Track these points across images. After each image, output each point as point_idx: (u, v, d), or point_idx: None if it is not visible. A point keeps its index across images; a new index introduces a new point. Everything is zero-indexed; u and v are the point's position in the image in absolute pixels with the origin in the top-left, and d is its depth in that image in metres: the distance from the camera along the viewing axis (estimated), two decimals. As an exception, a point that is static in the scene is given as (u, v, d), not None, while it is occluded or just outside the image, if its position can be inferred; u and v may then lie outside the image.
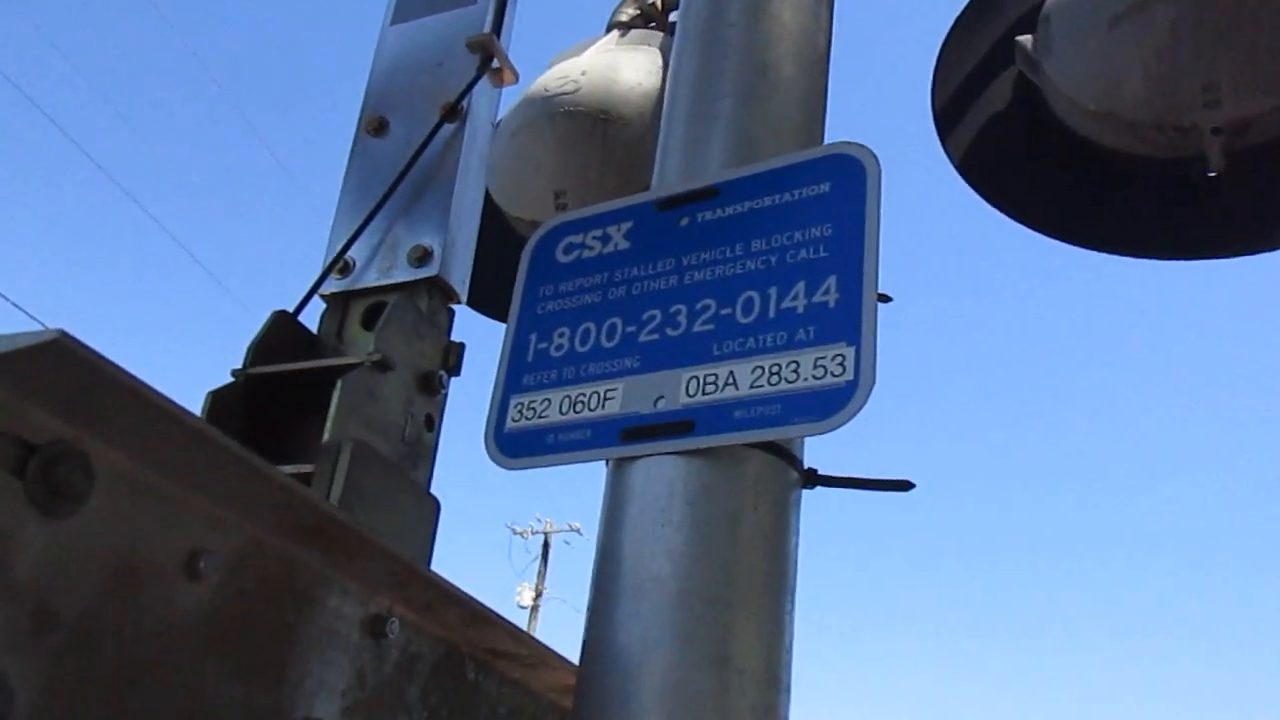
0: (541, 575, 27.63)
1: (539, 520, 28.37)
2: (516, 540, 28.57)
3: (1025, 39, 2.48)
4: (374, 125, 2.05)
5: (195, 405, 1.68)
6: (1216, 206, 2.34)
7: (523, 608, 27.01)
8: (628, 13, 3.25)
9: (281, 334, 1.74)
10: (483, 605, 1.49)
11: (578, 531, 27.82)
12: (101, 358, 0.89)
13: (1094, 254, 2.53)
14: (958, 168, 2.59)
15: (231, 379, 1.65)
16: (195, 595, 1.06)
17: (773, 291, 1.45)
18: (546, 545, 28.03)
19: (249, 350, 1.68)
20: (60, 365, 0.86)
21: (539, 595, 27.26)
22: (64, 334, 0.84)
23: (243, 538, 1.14)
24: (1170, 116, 2.22)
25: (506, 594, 27.77)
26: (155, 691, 1.01)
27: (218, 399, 1.61)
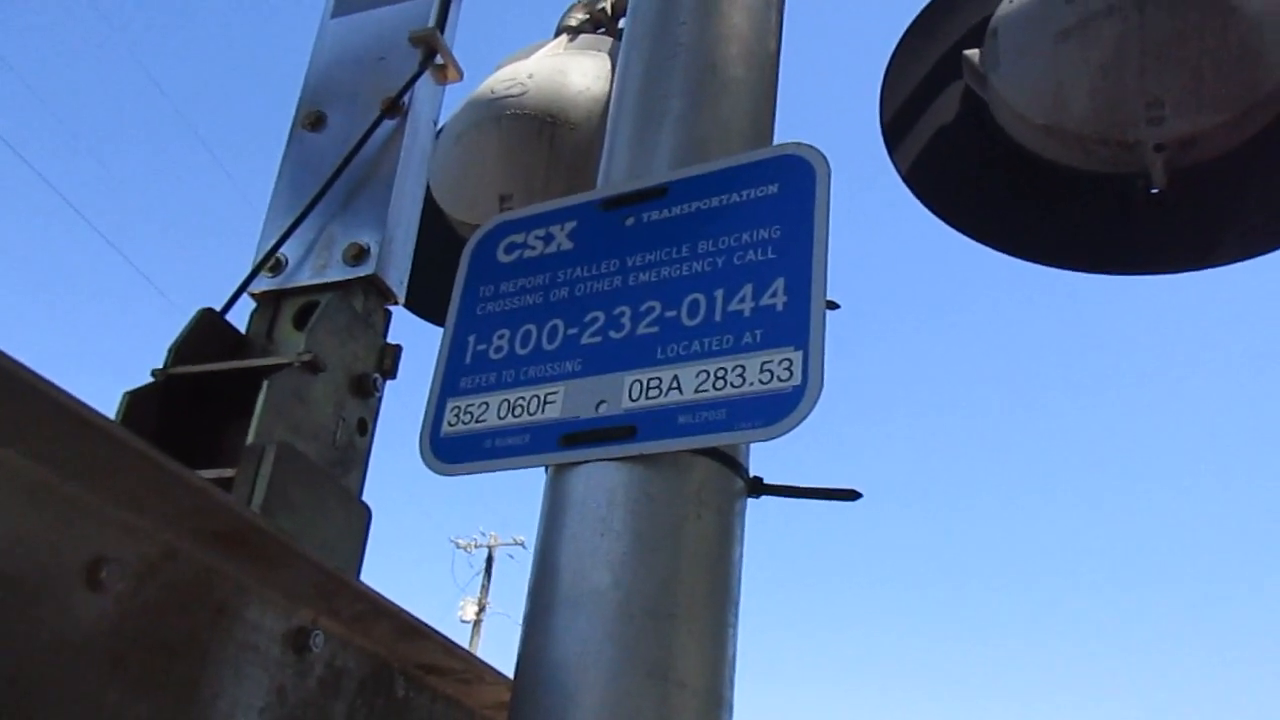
0: (485, 589, 27.32)
1: (483, 533, 28.08)
2: (459, 554, 28.21)
3: (973, 53, 2.49)
4: (311, 119, 1.98)
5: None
6: (1160, 222, 2.36)
7: (465, 623, 26.68)
8: (577, 17, 3.21)
9: (207, 333, 1.66)
10: (415, 618, 1.43)
11: (522, 545, 27.57)
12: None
13: (1040, 267, 2.54)
14: (905, 179, 2.58)
15: (151, 379, 1.57)
16: (96, 606, 0.99)
17: (719, 294, 1.41)
18: (490, 559, 27.74)
19: (170, 350, 1.60)
20: (-56, 354, 0.79)
21: (482, 610, 26.94)
22: (-53, 318, 0.77)
23: (153, 545, 1.06)
24: (1115, 132, 2.24)
25: (449, 609, 27.42)
26: (50, 710, 0.93)
27: (135, 400, 1.52)
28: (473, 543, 28.02)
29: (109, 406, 1.55)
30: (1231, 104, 2.19)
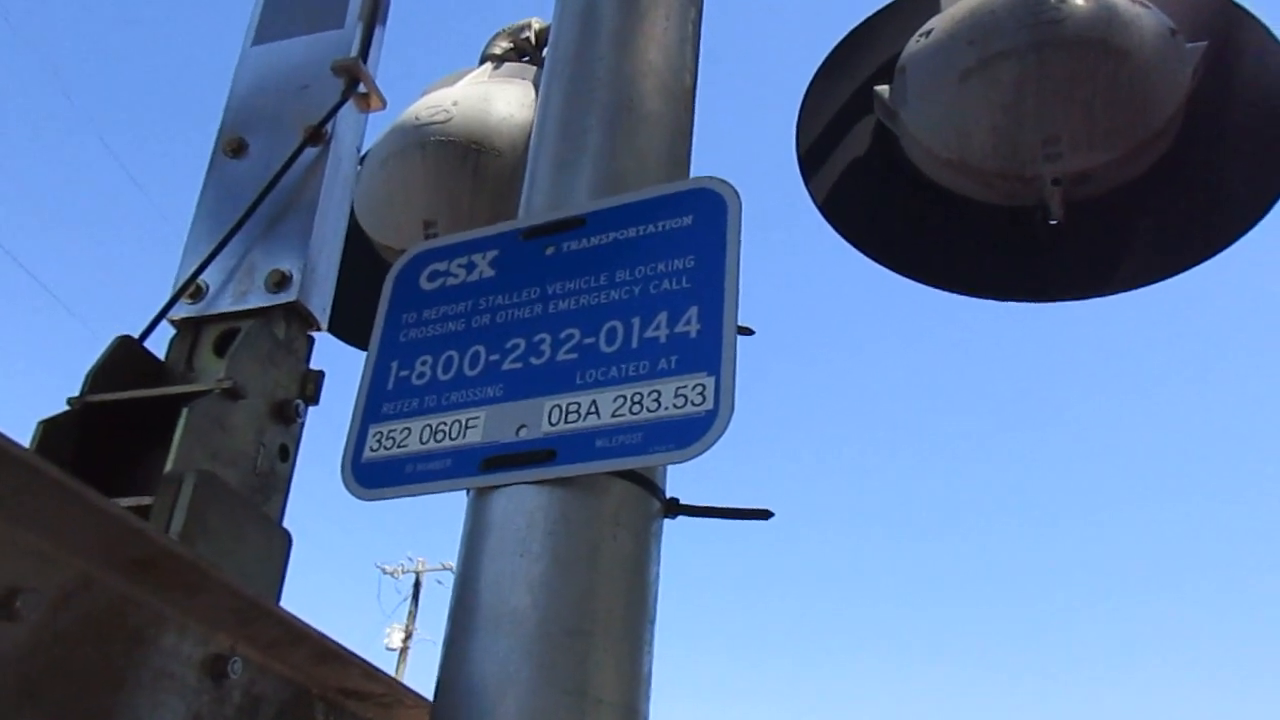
0: (412, 616, 26.88)
1: (410, 559, 27.65)
2: (386, 580, 27.73)
3: (883, 89, 2.60)
4: (232, 146, 1.98)
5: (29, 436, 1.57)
6: (1059, 252, 2.48)
7: (391, 650, 26.19)
8: (501, 46, 3.26)
9: (124, 360, 1.65)
10: (334, 642, 1.43)
11: (450, 570, 27.19)
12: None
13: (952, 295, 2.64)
14: (820, 209, 2.67)
15: (67, 407, 1.56)
16: (10, 636, 0.98)
17: (636, 321, 1.46)
18: (418, 584, 27.32)
19: (87, 377, 1.59)
20: None
21: (409, 636, 26.50)
22: None
23: (68, 574, 1.06)
24: (1014, 167, 2.35)
25: (375, 635, 26.91)
26: (-40, 741, 0.93)
27: (50, 428, 1.51)
28: (400, 568, 27.58)
29: (24, 434, 1.53)
30: (1123, 141, 2.32)
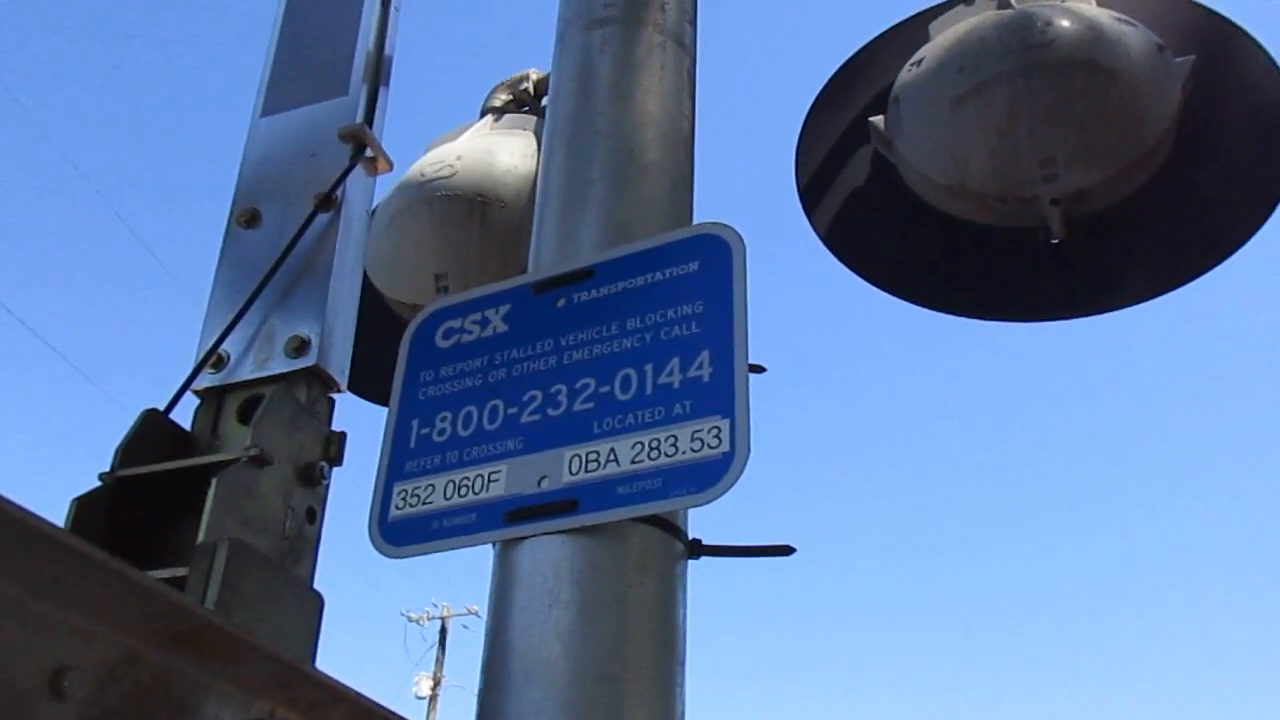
0: (440, 662, 26.78)
1: (435, 605, 27.59)
2: (412, 627, 27.69)
3: (878, 119, 2.64)
4: (246, 217, 2.03)
5: (63, 510, 1.61)
6: (1063, 270, 2.51)
7: (420, 698, 26.07)
8: (501, 98, 3.32)
9: (152, 433, 1.69)
10: (372, 701, 1.46)
11: (476, 614, 27.11)
12: (-45, 472, 0.86)
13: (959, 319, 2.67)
14: (823, 240, 2.71)
15: (99, 483, 1.59)
16: (60, 715, 1.01)
17: (649, 368, 1.49)
18: (444, 630, 27.24)
19: (116, 451, 1.63)
20: (-91, 482, 0.83)
21: (437, 684, 26.37)
22: (-86, 450, 0.81)
23: (112, 650, 1.09)
24: (1013, 189, 2.39)
25: (403, 685, 26.79)
26: (17, 821, 0.95)
27: (84, 504, 1.55)
28: (425, 615, 27.52)
29: (57, 507, 1.57)
30: (1118, 158, 2.36)
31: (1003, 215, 2.46)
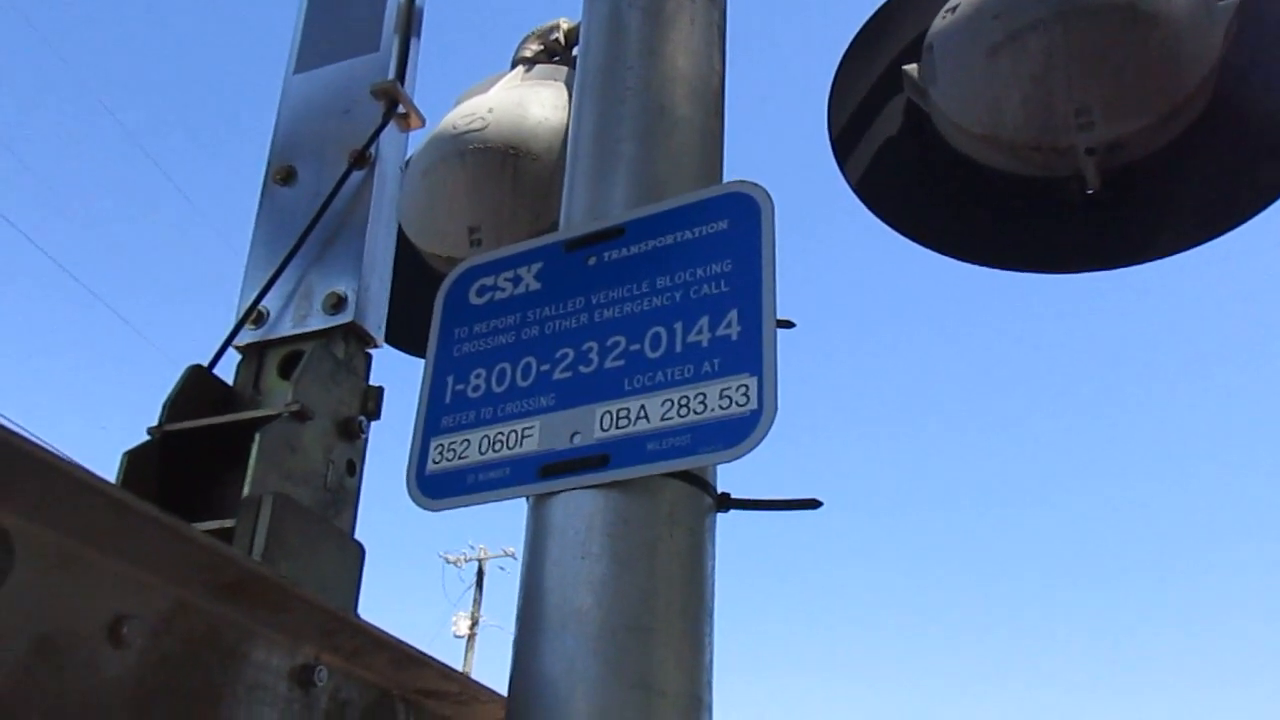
0: (477, 603, 27.34)
1: (472, 547, 28.10)
2: (450, 569, 28.22)
3: (911, 68, 2.60)
4: (282, 174, 2.06)
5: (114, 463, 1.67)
6: (1098, 221, 2.48)
7: (459, 637, 26.68)
8: (532, 48, 3.31)
9: (196, 388, 1.75)
10: (412, 647, 1.52)
11: (512, 556, 27.58)
12: (18, 436, 0.91)
13: (991, 270, 2.66)
14: (855, 190, 2.70)
15: (147, 437, 1.65)
16: (120, 661, 1.07)
17: (678, 326, 1.52)
18: (481, 572, 27.76)
19: (164, 406, 1.68)
20: (-24, 446, 0.88)
21: (475, 624, 26.95)
22: (-22, 416, 0.86)
23: (166, 600, 1.15)
24: (1047, 139, 2.36)
25: (442, 625, 27.41)
26: (84, 759, 1.02)
27: (134, 458, 1.61)
28: (462, 557, 28.04)
29: (108, 459, 1.63)
30: (1155, 106, 2.31)
31: (1037, 165, 2.43)
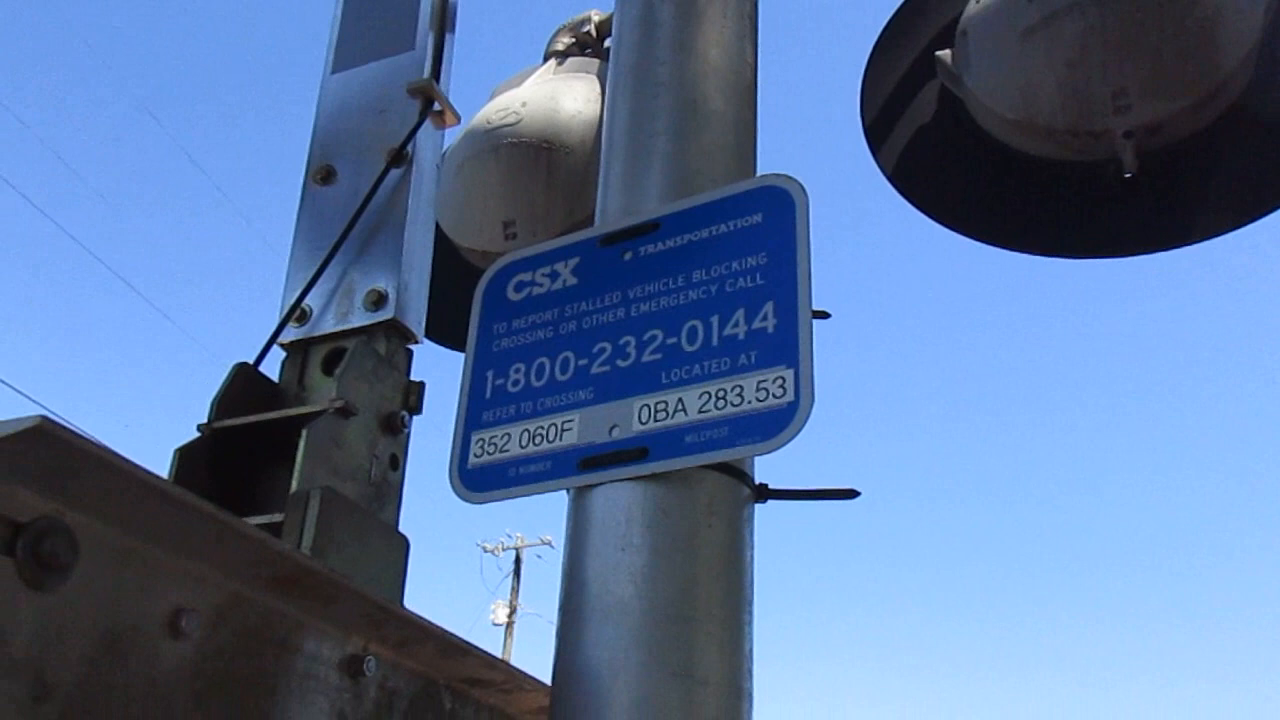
0: (515, 591, 27.55)
1: (510, 536, 28.31)
2: (488, 558, 28.49)
3: (945, 54, 2.59)
4: (321, 174, 2.10)
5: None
6: (1136, 205, 2.46)
7: (497, 625, 26.92)
8: (564, 41, 3.32)
9: (243, 385, 1.79)
10: (456, 637, 1.55)
11: (549, 545, 27.79)
12: (80, 437, 0.94)
13: (1029, 257, 2.64)
14: (889, 178, 2.69)
15: (197, 433, 1.70)
16: (179, 653, 1.11)
17: (715, 320, 1.53)
18: (518, 560, 27.97)
19: (212, 404, 1.73)
20: (42, 448, 0.91)
21: (513, 612, 27.17)
22: (45, 419, 0.89)
23: (221, 593, 1.19)
24: (1084, 122, 2.34)
25: (481, 613, 27.68)
26: (147, 747, 1.06)
27: (185, 454, 1.65)
28: (500, 545, 28.27)
29: (159, 454, 1.68)
30: (1193, 88, 2.29)
31: (1073, 150, 2.41)
